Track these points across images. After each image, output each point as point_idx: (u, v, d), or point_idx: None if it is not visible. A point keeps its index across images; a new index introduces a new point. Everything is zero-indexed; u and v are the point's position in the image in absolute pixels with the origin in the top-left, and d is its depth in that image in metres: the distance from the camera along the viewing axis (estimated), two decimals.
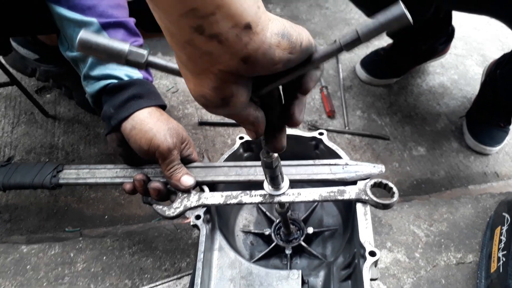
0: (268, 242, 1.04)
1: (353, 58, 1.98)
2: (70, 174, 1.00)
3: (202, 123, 1.63)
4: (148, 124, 0.88)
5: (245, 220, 1.10)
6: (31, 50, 1.46)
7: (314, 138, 0.99)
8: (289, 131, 1.01)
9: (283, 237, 1.02)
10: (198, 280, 0.79)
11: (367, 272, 0.75)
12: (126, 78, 0.91)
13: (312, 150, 1.01)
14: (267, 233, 1.04)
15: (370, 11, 1.67)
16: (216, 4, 0.39)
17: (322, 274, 0.93)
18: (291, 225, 1.02)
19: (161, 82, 1.77)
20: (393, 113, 1.79)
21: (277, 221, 1.05)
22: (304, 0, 2.24)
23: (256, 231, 1.07)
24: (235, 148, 1.00)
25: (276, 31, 0.45)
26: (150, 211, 1.35)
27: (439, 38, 1.79)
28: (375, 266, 0.78)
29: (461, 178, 1.60)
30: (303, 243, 1.00)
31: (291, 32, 0.46)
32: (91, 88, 0.92)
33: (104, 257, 1.07)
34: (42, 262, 1.06)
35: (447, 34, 1.80)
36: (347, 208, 1.01)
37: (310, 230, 1.02)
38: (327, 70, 1.90)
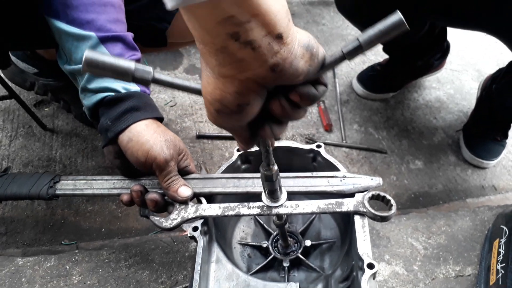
0: (265, 254, 1.03)
1: (350, 73, 2.00)
2: (67, 185, 1.00)
3: (200, 136, 1.63)
4: (145, 136, 0.88)
5: (242, 232, 1.10)
6: (30, 64, 1.47)
7: (312, 150, 1.00)
8: (287, 143, 1.02)
9: (280, 250, 1.02)
10: None
11: (365, 284, 0.75)
12: (123, 91, 0.92)
13: (309, 162, 1.02)
14: (264, 245, 1.03)
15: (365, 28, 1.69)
16: (253, 12, 0.41)
17: (320, 287, 0.93)
18: (288, 237, 1.02)
19: (159, 96, 1.78)
20: (390, 127, 1.81)
21: (275, 233, 1.05)
22: (301, 17, 2.27)
23: (254, 244, 1.06)
24: (233, 160, 1.01)
25: (302, 43, 0.47)
26: (147, 224, 1.34)
27: (435, 54, 1.82)
28: (374, 278, 0.78)
29: (458, 191, 1.60)
30: (300, 256, 1.00)
31: (313, 45, 0.49)
32: (88, 101, 0.93)
33: (100, 270, 1.06)
34: (37, 274, 1.05)
35: (442, 49, 1.83)
36: (345, 221, 1.01)
37: (308, 242, 1.02)
38: None
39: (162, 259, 1.11)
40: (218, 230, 0.99)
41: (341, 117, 1.79)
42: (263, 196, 0.86)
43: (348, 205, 0.85)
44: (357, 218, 0.84)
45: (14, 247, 1.25)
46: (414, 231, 1.21)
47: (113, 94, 0.91)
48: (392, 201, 0.84)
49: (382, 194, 0.86)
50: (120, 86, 0.92)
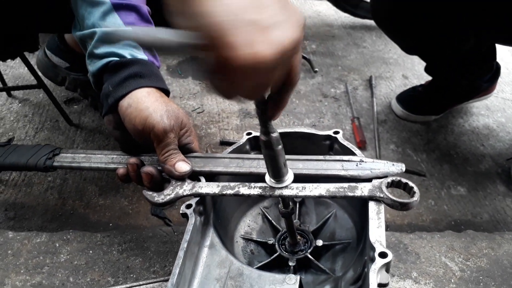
0: (270, 253, 0.92)
1: (389, 94, 1.89)
2: (66, 158, 0.96)
3: (223, 143, 1.57)
4: (145, 103, 0.83)
5: (247, 227, 0.99)
6: (62, 58, 1.50)
7: (328, 137, 0.90)
8: (301, 129, 0.93)
9: (288, 248, 0.90)
10: (176, 270, 0.69)
11: (374, 275, 0.62)
12: (129, 57, 0.88)
13: (326, 151, 0.92)
14: (270, 242, 0.92)
15: (401, 41, 1.60)
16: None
17: None
18: (298, 236, 0.90)
19: (188, 103, 1.75)
20: (431, 150, 1.65)
21: (283, 231, 0.94)
22: (341, 39, 2.22)
23: (259, 239, 0.95)
24: (241, 143, 0.92)
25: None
26: (157, 223, 1.26)
27: (483, 75, 1.68)
28: (387, 271, 0.65)
29: (508, 224, 1.40)
30: (310, 256, 0.87)
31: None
32: (93, 66, 0.90)
33: (91, 251, 0.98)
34: (24, 249, 0.99)
35: (491, 70, 1.69)
36: (363, 219, 0.88)
37: (320, 242, 0.89)
38: (360, 103, 1.82)
39: (158, 248, 1.01)
40: (218, 218, 0.89)
41: (377, 136, 1.67)
42: (267, 177, 0.77)
43: (362, 189, 0.73)
44: (371, 204, 0.72)
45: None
46: (450, 250, 1.04)
47: (118, 59, 0.87)
48: (416, 188, 0.72)
49: (403, 180, 0.74)
50: (127, 52, 0.89)
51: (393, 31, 1.54)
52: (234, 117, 1.69)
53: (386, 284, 0.62)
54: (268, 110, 0.61)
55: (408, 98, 1.77)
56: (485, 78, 1.69)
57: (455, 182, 1.54)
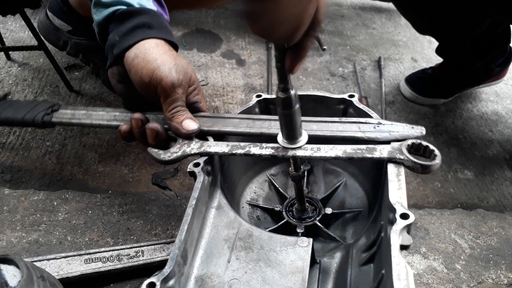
0: (277, 220, 0.89)
1: (398, 76, 1.85)
2: (65, 114, 0.91)
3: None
4: (153, 54, 0.78)
5: (253, 193, 0.96)
6: (65, 21, 1.45)
7: (343, 100, 0.86)
8: (314, 92, 0.89)
9: (295, 214, 0.87)
10: (184, 227, 0.65)
11: (396, 237, 0.58)
12: (137, 6, 0.83)
13: (339, 116, 0.88)
14: (277, 209, 0.89)
15: (417, 21, 1.56)
16: None
17: (338, 255, 0.76)
18: (307, 203, 0.87)
19: None
20: (439, 133, 1.62)
21: (290, 198, 0.90)
22: (350, 19, 2.18)
23: (266, 206, 0.91)
24: (250, 105, 0.89)
25: None
26: (158, 193, 1.23)
27: (496, 58, 1.64)
28: (408, 232, 0.61)
29: None
30: (318, 223, 0.84)
31: None
32: (99, 15, 0.85)
33: (90, 211, 0.95)
34: (21, 206, 0.95)
35: (505, 54, 1.65)
36: (375, 188, 0.84)
37: (329, 210, 0.86)
38: (368, 83, 1.78)
39: (160, 211, 0.98)
40: (225, 181, 0.86)
41: (385, 116, 1.63)
42: (279, 137, 0.73)
43: (381, 151, 0.70)
44: (390, 166, 0.68)
45: None
46: (459, 228, 1.01)
47: (125, 8, 0.83)
48: (437, 151, 0.69)
49: (424, 143, 0.70)
50: (136, 1, 0.84)
51: (409, 8, 1.49)
52: (239, 92, 1.65)
53: (408, 246, 0.59)
54: (289, 61, 0.58)
55: (417, 80, 1.73)
56: (498, 62, 1.65)
57: (462, 166, 1.51)
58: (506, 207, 1.38)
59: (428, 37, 2.04)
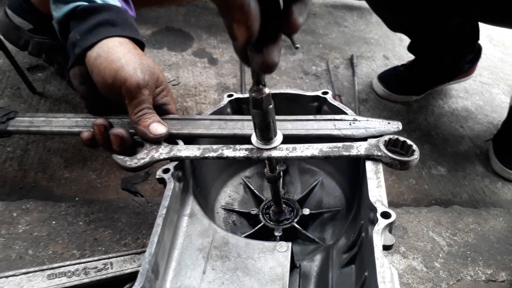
0: (254, 224, 0.85)
1: (370, 74, 1.85)
2: (23, 122, 0.85)
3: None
4: (116, 53, 0.73)
5: (228, 197, 0.92)
6: (26, 19, 1.37)
7: (317, 98, 0.84)
8: (287, 90, 0.87)
9: (272, 217, 0.83)
10: (154, 238, 0.61)
11: (378, 237, 0.56)
12: (100, 2, 0.78)
13: (313, 114, 0.85)
14: (253, 212, 0.85)
15: (389, 18, 1.56)
16: None
17: (318, 258, 0.74)
18: (284, 204, 0.84)
19: None
20: (412, 130, 1.63)
21: (267, 200, 0.87)
22: (322, 17, 2.17)
23: (241, 210, 0.88)
24: (222, 105, 0.85)
25: None
26: (129, 199, 1.17)
27: (465, 55, 1.66)
28: (390, 231, 0.59)
29: (487, 203, 1.39)
30: (296, 225, 0.81)
31: None
32: (59, 12, 0.79)
33: (54, 222, 0.89)
34: None
35: (473, 51, 1.67)
36: (352, 186, 0.82)
37: (306, 211, 0.83)
38: (341, 81, 1.77)
39: (130, 219, 0.93)
40: (198, 186, 0.81)
41: (358, 114, 1.62)
42: (253, 138, 0.70)
43: (358, 148, 0.67)
44: (368, 164, 0.66)
45: None
46: (437, 225, 1.01)
47: (87, 4, 0.77)
48: (415, 147, 0.67)
49: (401, 138, 0.69)
50: None
51: (381, 5, 1.49)
52: (212, 91, 1.61)
53: (391, 246, 0.57)
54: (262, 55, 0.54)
55: (390, 77, 1.74)
56: (467, 59, 1.68)
57: (435, 162, 1.52)
58: (478, 201, 1.40)
59: (399, 35, 2.06)
